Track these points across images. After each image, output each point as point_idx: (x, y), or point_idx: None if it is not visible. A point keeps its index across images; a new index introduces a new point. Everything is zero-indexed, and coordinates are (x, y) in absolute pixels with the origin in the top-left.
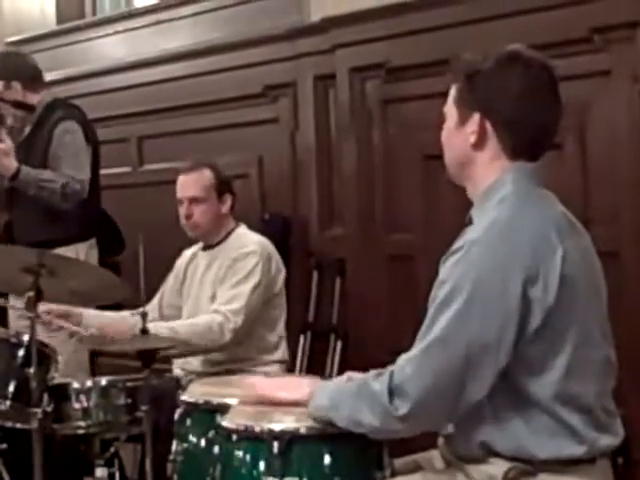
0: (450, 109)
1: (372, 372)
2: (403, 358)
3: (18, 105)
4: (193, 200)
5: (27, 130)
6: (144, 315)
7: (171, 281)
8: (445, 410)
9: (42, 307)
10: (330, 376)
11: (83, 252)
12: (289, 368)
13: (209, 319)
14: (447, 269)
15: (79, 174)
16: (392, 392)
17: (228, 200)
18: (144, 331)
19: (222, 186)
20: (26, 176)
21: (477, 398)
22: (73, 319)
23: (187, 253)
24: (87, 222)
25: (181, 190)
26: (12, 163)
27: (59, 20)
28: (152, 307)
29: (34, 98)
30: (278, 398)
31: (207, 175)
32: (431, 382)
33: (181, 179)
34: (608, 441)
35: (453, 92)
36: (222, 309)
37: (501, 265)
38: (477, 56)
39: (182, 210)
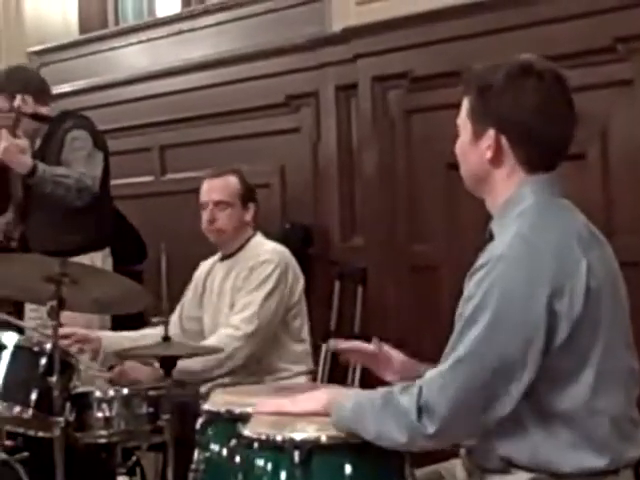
0: (464, 123)
1: (398, 385)
2: (431, 374)
3: (35, 117)
4: (218, 204)
5: (38, 142)
6: (166, 324)
7: (190, 294)
8: (472, 426)
9: (61, 330)
10: (352, 385)
11: (99, 261)
12: (313, 377)
13: (216, 338)
14: (473, 286)
15: (90, 171)
16: (420, 410)
17: (252, 208)
18: (166, 338)
19: (247, 194)
20: (43, 173)
21: (505, 413)
22: (92, 344)
23: (205, 265)
24: (101, 231)
25: (206, 194)
26: (28, 160)
27: (82, 30)
28: (173, 322)
29: (44, 110)
30: (295, 412)
31: (233, 181)
32: (459, 399)
33: (206, 183)
34: (632, 452)
35: (466, 105)
36: (234, 319)
37: (526, 280)
38: (488, 67)
39: (205, 214)
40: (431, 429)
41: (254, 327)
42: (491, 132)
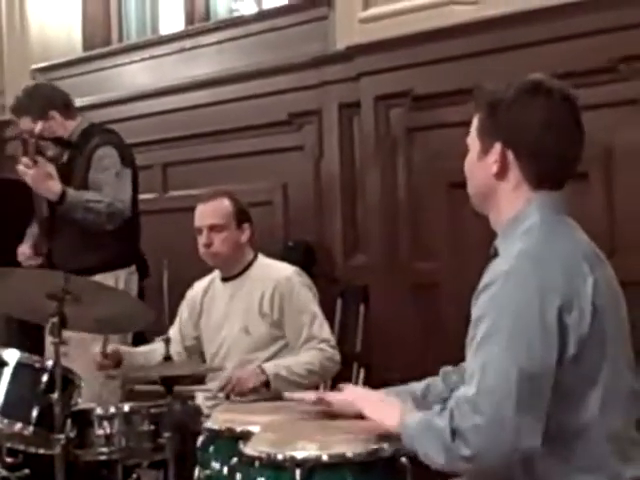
0: (472, 140)
1: (436, 407)
2: (459, 399)
3: (58, 142)
4: (212, 228)
5: (65, 157)
6: (167, 341)
7: (185, 313)
8: (508, 446)
9: (97, 349)
10: None
11: (123, 278)
12: None
13: (321, 354)
14: (482, 305)
15: (120, 194)
16: (454, 432)
17: (247, 229)
18: (167, 358)
19: (241, 215)
20: (72, 198)
21: (537, 430)
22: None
23: (200, 285)
24: (127, 248)
25: (200, 219)
26: (57, 186)
27: (85, 47)
28: (173, 340)
29: (72, 124)
30: (374, 420)
31: (226, 203)
32: (490, 427)
33: (200, 208)
34: (632, 472)
35: (475, 122)
36: (323, 345)
37: (537, 294)
38: (499, 86)
39: (201, 239)
40: (466, 452)
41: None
42: (497, 146)
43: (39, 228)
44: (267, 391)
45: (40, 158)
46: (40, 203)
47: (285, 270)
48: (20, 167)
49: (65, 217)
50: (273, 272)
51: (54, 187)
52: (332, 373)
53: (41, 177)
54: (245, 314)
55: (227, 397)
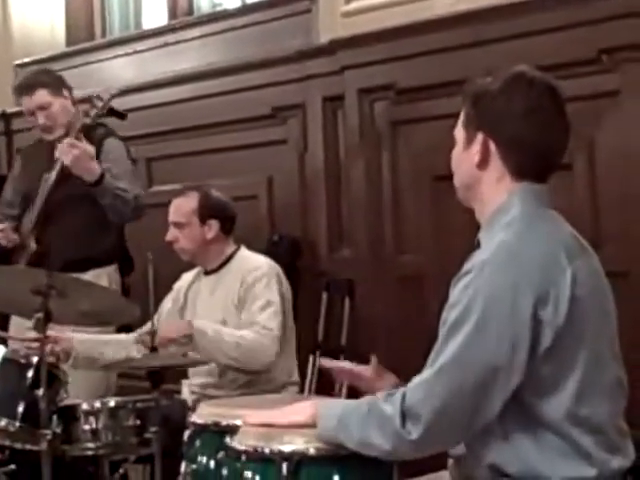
0: (458, 132)
1: (382, 393)
2: (415, 381)
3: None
4: (176, 225)
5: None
6: (153, 334)
7: (169, 304)
8: (457, 432)
9: (31, 334)
10: (339, 396)
11: (113, 274)
12: (300, 389)
13: (258, 337)
14: (457, 292)
15: (138, 188)
16: (404, 415)
17: (214, 226)
18: (154, 349)
19: (205, 211)
20: (107, 183)
21: (489, 419)
22: (63, 344)
23: (186, 277)
24: (116, 245)
25: (169, 214)
26: (97, 167)
27: (68, 42)
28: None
29: (73, 110)
30: (284, 424)
31: (191, 200)
32: (443, 405)
33: (172, 203)
34: (620, 462)
35: (462, 115)
36: (260, 318)
37: (511, 286)
38: (485, 77)
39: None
40: (415, 434)
41: (279, 322)
42: (480, 136)
43: (36, 215)
44: (189, 344)
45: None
46: (31, 191)
47: (258, 261)
48: (63, 146)
49: (61, 209)
50: (249, 264)
51: (95, 168)
52: (259, 362)
53: (87, 157)
54: (224, 307)
55: (151, 348)
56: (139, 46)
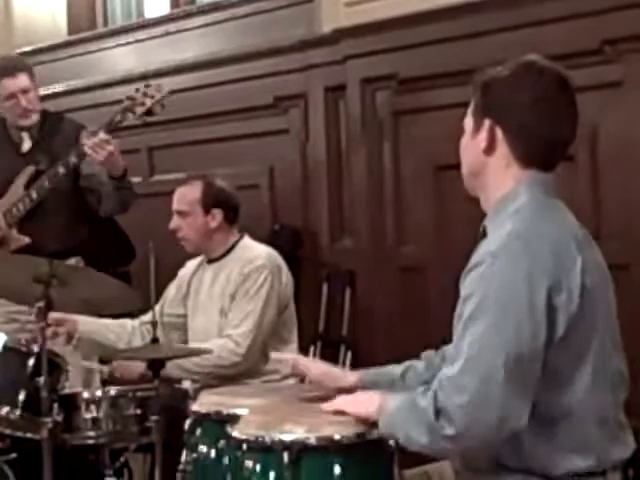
0: (467, 121)
1: (420, 389)
2: (442, 378)
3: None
4: (179, 213)
5: (26, 137)
6: (154, 324)
7: (173, 291)
8: (492, 425)
9: (33, 316)
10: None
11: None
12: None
13: (218, 348)
14: (471, 284)
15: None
16: (438, 412)
17: (218, 215)
18: (154, 340)
19: (209, 201)
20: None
21: (523, 411)
22: (67, 326)
23: (191, 264)
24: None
25: (173, 203)
26: (122, 162)
27: (70, 31)
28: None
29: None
30: (350, 413)
31: (195, 189)
32: (474, 404)
33: (175, 192)
34: (620, 453)
35: (471, 104)
36: (232, 334)
37: (526, 274)
38: (496, 66)
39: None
40: (450, 431)
41: (253, 340)
42: (487, 123)
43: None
44: None
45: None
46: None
47: (258, 252)
48: (96, 142)
49: (49, 200)
50: (248, 254)
51: (121, 162)
52: (229, 367)
53: (117, 152)
54: (222, 296)
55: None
56: (141, 35)
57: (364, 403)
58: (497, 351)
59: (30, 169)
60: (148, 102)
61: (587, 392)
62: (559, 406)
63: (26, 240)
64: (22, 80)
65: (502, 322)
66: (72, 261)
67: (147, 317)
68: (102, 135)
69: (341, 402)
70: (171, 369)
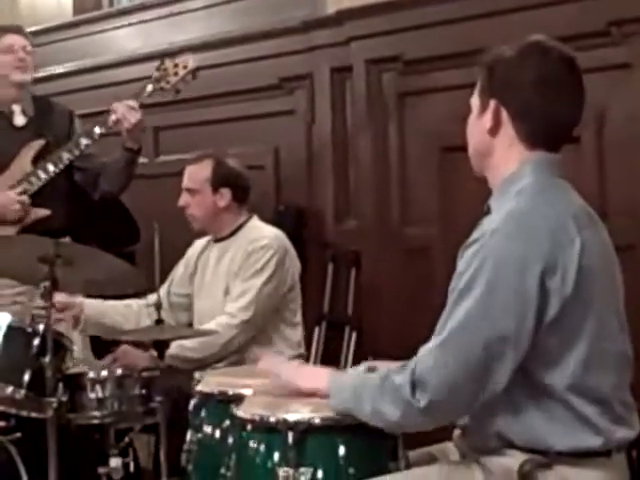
0: (474, 100)
1: (394, 365)
2: (423, 350)
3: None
4: (188, 191)
5: (18, 111)
6: (158, 306)
7: (181, 269)
8: (465, 401)
9: (39, 301)
10: (345, 367)
11: None
12: (306, 360)
13: (214, 326)
14: (465, 260)
15: None
16: (414, 384)
17: (226, 194)
18: (159, 321)
19: (218, 180)
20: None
21: (497, 389)
22: (73, 310)
23: (199, 243)
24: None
25: (183, 180)
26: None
27: (75, 11)
28: (161, 295)
29: None
30: (298, 386)
31: (206, 167)
32: (451, 373)
33: (186, 169)
34: (624, 434)
35: (478, 83)
36: (230, 307)
37: (519, 255)
38: (502, 46)
39: (180, 200)
40: (424, 402)
41: (250, 315)
42: (492, 103)
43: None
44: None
45: None
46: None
47: (265, 232)
48: (128, 105)
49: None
50: (256, 235)
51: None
52: (228, 342)
53: (143, 122)
54: (227, 275)
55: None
56: (145, 16)
57: (311, 376)
58: (480, 331)
59: (38, 142)
60: (176, 76)
61: (581, 372)
62: (552, 384)
63: (46, 212)
64: (25, 41)
65: (489, 301)
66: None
67: (153, 298)
68: (132, 102)
69: (285, 372)
70: (173, 359)
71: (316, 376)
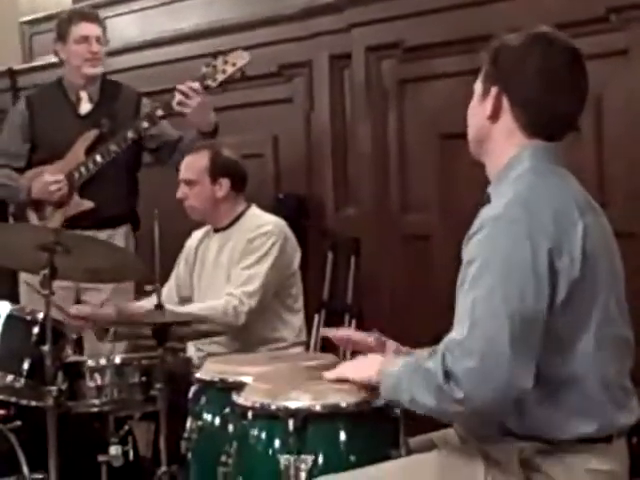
0: (477, 85)
1: (424, 352)
2: (449, 341)
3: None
4: (187, 182)
5: (85, 97)
6: (158, 291)
7: (182, 262)
8: (501, 385)
9: (73, 310)
10: (344, 355)
11: (129, 232)
12: (306, 347)
13: (224, 303)
14: (472, 248)
15: None
16: (447, 375)
17: (225, 184)
18: (159, 306)
19: (217, 170)
20: None
21: (529, 370)
22: (98, 323)
23: (197, 234)
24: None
25: (181, 172)
26: (214, 117)
27: None
28: (169, 289)
29: None
30: (350, 378)
31: (203, 158)
32: (481, 366)
33: (183, 160)
34: (625, 419)
35: (482, 69)
36: (237, 292)
37: (528, 238)
38: (508, 34)
39: (178, 192)
40: (459, 394)
41: (256, 302)
42: (494, 90)
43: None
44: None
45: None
46: (49, 141)
47: (265, 220)
48: (191, 86)
49: (117, 164)
50: (258, 223)
51: (213, 117)
52: (232, 326)
53: (208, 105)
54: (229, 264)
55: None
56: (143, 4)
57: (364, 367)
58: (502, 313)
59: (93, 132)
60: (224, 73)
61: (589, 358)
62: (561, 371)
63: (90, 205)
64: (99, 31)
65: (506, 283)
66: (123, 229)
67: (163, 290)
68: (194, 84)
69: (342, 369)
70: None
71: (370, 365)
